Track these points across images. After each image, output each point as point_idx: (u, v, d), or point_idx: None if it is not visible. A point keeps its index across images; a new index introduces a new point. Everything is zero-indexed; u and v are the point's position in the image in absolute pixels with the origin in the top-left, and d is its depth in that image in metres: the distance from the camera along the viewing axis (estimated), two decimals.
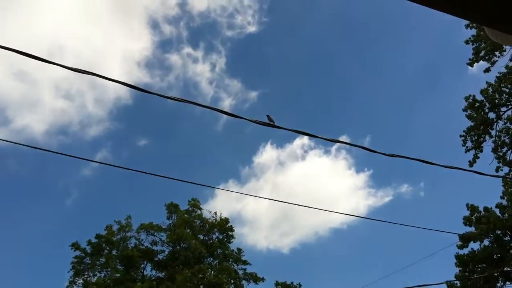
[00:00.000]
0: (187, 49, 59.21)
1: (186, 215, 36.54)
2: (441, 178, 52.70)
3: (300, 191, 55.50)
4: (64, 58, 46.44)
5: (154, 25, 59.62)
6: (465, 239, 26.50)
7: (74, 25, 59.05)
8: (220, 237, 37.55)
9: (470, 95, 26.41)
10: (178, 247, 35.51)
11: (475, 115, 26.37)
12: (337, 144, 56.35)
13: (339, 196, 56.63)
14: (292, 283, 36.45)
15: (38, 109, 57.39)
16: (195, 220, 36.91)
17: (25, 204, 54.82)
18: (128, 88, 4.98)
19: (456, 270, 27.11)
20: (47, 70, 62.13)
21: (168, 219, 36.74)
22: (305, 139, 53.07)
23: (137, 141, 57.56)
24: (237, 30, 60.19)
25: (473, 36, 25.45)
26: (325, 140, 6.42)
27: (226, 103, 56.84)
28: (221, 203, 51.60)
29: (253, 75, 69.21)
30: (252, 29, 60.26)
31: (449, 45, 58.27)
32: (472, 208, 27.05)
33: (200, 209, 37.52)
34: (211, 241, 36.84)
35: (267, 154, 58.04)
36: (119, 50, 61.96)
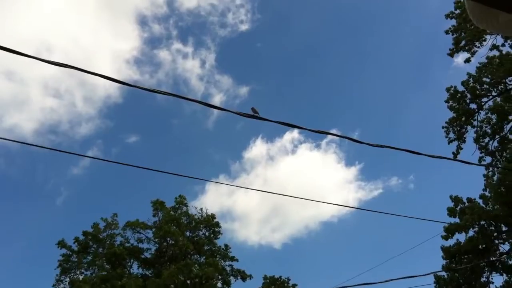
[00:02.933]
0: (177, 45, 59.27)
1: (173, 212, 36.37)
2: (431, 171, 53.50)
3: (291, 185, 55.84)
4: (52, 57, 45.87)
5: (143, 23, 59.41)
6: (450, 230, 26.65)
7: (62, 25, 58.91)
8: (207, 233, 37.44)
9: (451, 86, 26.61)
10: (165, 243, 35.37)
11: (456, 106, 26.56)
12: (327, 138, 56.66)
13: (329, 190, 56.89)
14: (280, 277, 36.52)
15: (27, 108, 57.13)
16: (182, 217, 36.75)
17: (15, 204, 54.71)
18: (118, 86, 4.97)
19: (442, 261, 27.31)
20: (35, 69, 61.66)
21: (154, 216, 36.56)
22: (295, 133, 53.26)
23: (127, 138, 57.47)
24: (228, 28, 60.30)
25: (453, 26, 25.62)
26: (310, 131, 6.42)
27: (217, 99, 56.97)
28: (211, 199, 51.73)
29: (243, 71, 69.59)
30: (241, 25, 60.36)
31: (436, 36, 58.86)
32: (456, 200, 27.19)
33: (186, 206, 37.37)
34: (198, 238, 36.71)
35: (257, 149, 58.19)
36: (108, 48, 61.98)
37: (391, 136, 60.83)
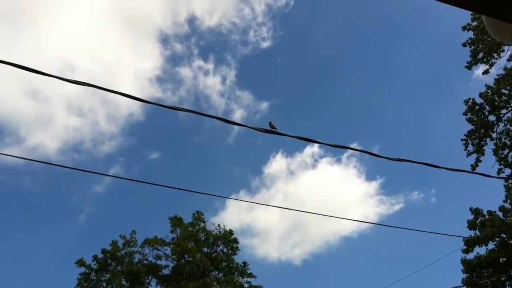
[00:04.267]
0: (198, 62, 59.86)
1: (190, 228, 36.38)
2: (452, 184, 53.00)
3: (311, 200, 55.62)
4: (75, 76, 46.92)
5: (165, 42, 60.35)
6: (470, 243, 26.29)
7: (85, 43, 59.99)
8: (225, 250, 37.36)
9: (469, 99, 26.38)
10: (182, 260, 35.34)
11: (475, 119, 26.30)
12: (348, 152, 56.45)
13: (349, 204, 56.58)
14: None
15: (51, 127, 58.04)
16: (199, 233, 36.75)
17: (39, 221, 55.23)
18: (141, 104, 4.99)
19: (463, 275, 26.90)
20: (59, 88, 62.85)
21: (172, 232, 36.61)
22: (315, 147, 53.26)
23: (149, 155, 57.91)
24: (249, 45, 60.88)
25: (470, 38, 25.45)
26: (328, 145, 6.38)
27: (237, 115, 57.47)
28: (231, 215, 51.75)
29: (264, 86, 69.94)
30: (263, 42, 60.88)
31: (456, 49, 58.53)
32: (476, 212, 26.86)
33: (204, 222, 37.38)
34: (215, 254, 36.63)
35: (277, 163, 58.10)
36: (131, 67, 62.79)
37: (411, 150, 60.55)
